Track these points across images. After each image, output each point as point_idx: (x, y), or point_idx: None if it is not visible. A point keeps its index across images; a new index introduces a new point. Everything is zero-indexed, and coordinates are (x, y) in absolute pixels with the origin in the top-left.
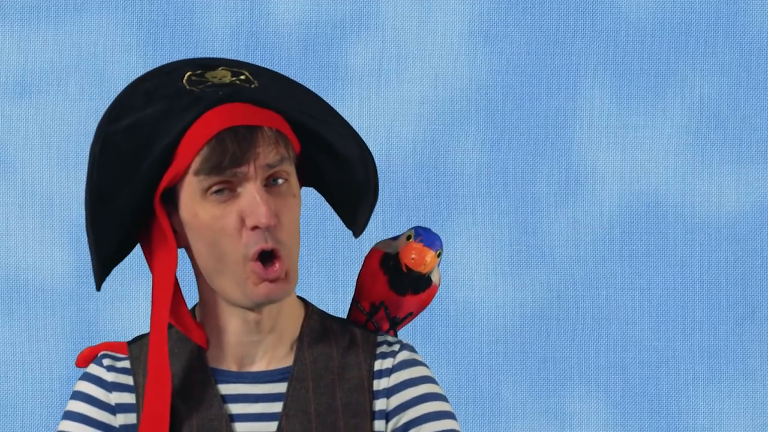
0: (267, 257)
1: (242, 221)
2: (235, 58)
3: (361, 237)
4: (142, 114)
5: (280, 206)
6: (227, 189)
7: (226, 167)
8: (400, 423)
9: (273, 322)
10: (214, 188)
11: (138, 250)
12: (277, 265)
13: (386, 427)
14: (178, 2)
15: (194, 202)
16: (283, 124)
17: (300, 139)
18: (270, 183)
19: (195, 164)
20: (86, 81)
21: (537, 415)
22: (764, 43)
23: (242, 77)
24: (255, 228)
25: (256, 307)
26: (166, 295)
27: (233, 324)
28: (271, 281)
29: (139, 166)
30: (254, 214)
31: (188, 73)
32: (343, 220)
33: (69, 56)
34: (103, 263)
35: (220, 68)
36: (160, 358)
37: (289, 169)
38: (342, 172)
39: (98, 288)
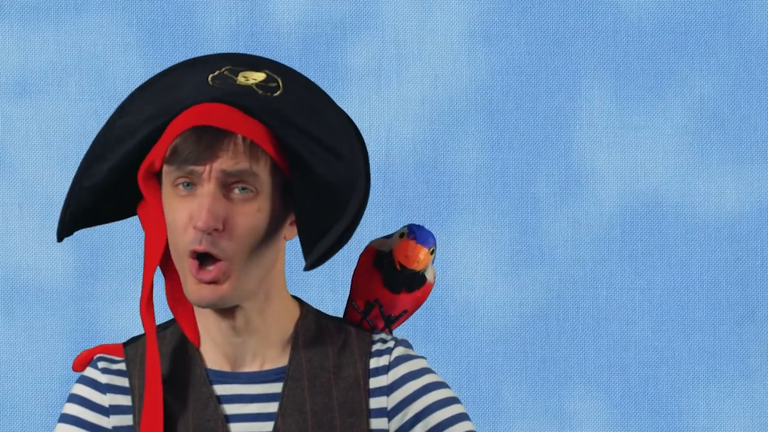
0: (205, 258)
1: (191, 219)
2: (283, 63)
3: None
4: (164, 93)
5: (234, 214)
6: (191, 185)
7: (184, 162)
8: (407, 418)
9: (249, 325)
10: (180, 181)
11: (138, 250)
12: (212, 268)
13: (389, 425)
14: (178, 2)
15: (166, 191)
16: (261, 136)
17: (289, 158)
18: (236, 191)
19: (167, 153)
20: (86, 81)
21: (537, 415)
22: (764, 43)
23: (272, 84)
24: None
25: (197, 306)
26: (150, 272)
27: (211, 323)
28: (206, 283)
29: (132, 139)
30: (196, 216)
31: (223, 68)
32: (302, 247)
33: (69, 56)
34: (73, 218)
35: (263, 70)
36: (151, 347)
37: (255, 181)
38: (316, 197)
39: (59, 239)
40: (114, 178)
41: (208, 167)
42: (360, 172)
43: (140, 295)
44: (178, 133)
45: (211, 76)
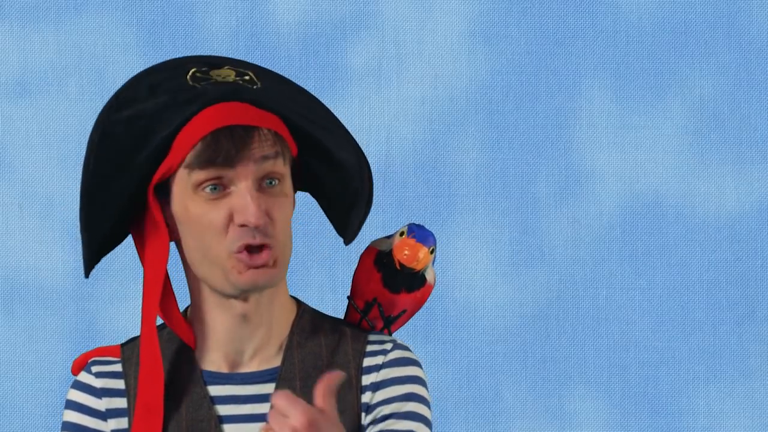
0: (254, 248)
1: (230, 218)
2: (239, 59)
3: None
4: (144, 106)
5: (272, 205)
6: (220, 186)
7: (218, 164)
8: (379, 416)
9: (261, 316)
10: (207, 185)
11: (135, 251)
12: (264, 253)
13: (365, 419)
14: (178, 2)
15: (185, 196)
16: (280, 126)
17: (298, 143)
18: (265, 184)
19: (188, 158)
20: (86, 81)
21: (537, 415)
22: (764, 43)
23: (246, 78)
24: (243, 225)
25: (241, 293)
26: (157, 286)
27: (221, 319)
28: (257, 267)
29: (136, 157)
30: (243, 213)
31: (193, 70)
32: (335, 227)
33: (69, 56)
34: (94, 250)
35: (225, 67)
36: (152, 350)
37: (283, 170)
38: (337, 178)
39: (87, 275)
40: (126, 202)
41: (245, 165)
42: (357, 146)
43: (140, 298)
44: (201, 136)
45: (188, 76)
